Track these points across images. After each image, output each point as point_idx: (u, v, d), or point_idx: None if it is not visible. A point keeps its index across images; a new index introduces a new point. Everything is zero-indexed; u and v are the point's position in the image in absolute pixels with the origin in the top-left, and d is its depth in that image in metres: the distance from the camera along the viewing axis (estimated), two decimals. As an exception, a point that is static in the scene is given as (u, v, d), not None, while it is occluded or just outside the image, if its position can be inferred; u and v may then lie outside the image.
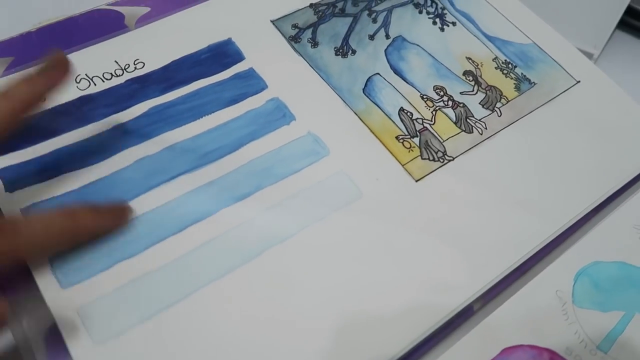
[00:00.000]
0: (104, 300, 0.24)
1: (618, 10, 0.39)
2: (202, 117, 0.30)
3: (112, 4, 0.35)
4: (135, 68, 0.32)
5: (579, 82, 0.35)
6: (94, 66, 0.31)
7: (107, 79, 0.31)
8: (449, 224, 0.28)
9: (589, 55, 0.39)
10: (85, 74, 0.31)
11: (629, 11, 0.41)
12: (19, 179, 0.27)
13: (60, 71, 0.25)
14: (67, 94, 0.30)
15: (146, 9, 0.35)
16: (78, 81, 0.31)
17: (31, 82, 0.24)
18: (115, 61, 0.32)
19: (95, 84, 0.31)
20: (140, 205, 0.27)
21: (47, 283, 0.24)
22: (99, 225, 0.25)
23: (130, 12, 0.35)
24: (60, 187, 0.27)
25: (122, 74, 0.31)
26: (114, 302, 0.24)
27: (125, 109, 0.30)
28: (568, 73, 0.35)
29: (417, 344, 0.25)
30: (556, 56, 0.36)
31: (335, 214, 0.28)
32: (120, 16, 0.34)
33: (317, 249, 0.27)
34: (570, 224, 0.30)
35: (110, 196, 0.27)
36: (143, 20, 0.34)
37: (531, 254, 0.28)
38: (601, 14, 0.39)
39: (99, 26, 0.34)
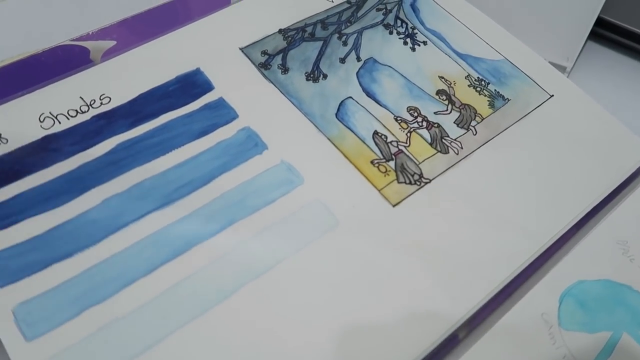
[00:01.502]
0: (72, 351, 0.23)
1: (588, 22, 0.39)
2: (171, 150, 0.29)
3: (77, 39, 0.34)
4: (102, 103, 0.31)
5: (552, 96, 0.35)
6: (58, 103, 0.30)
7: (72, 116, 0.30)
8: (429, 248, 0.28)
9: (562, 68, 0.39)
10: (50, 112, 0.30)
11: (599, 22, 0.41)
12: (-21, 226, 0.26)
13: None
14: (31, 133, 0.29)
15: (112, 43, 0.34)
16: (42, 120, 0.30)
17: None
18: (81, 97, 0.31)
19: (59, 122, 0.30)
20: (108, 247, 0.26)
21: (10, 337, 0.23)
22: None
23: (96, 46, 0.34)
24: (24, 233, 0.26)
25: (87, 110, 0.30)
26: (83, 352, 0.23)
27: (91, 146, 0.29)
28: (541, 87, 0.35)
29: (402, 378, 0.24)
30: (528, 71, 0.36)
31: (312, 244, 0.27)
32: (85, 51, 0.33)
33: (295, 281, 0.26)
34: (552, 241, 0.29)
35: (76, 239, 0.26)
36: (109, 54, 0.33)
37: (514, 274, 0.28)
38: (571, 26, 0.39)
39: (63, 62, 0.33)
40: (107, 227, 0.26)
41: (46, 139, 0.29)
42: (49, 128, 0.29)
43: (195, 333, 0.24)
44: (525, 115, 0.34)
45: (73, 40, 0.34)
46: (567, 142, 0.33)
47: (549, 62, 0.36)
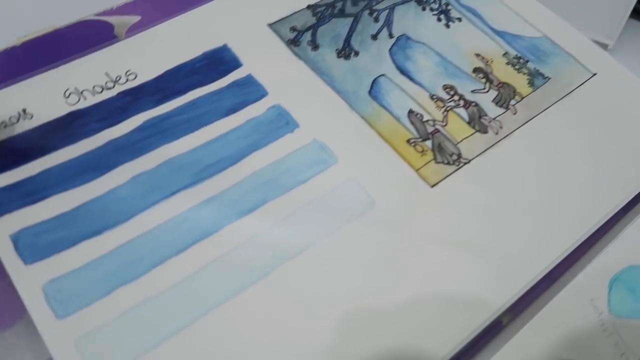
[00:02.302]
0: (103, 331, 0.22)
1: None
2: (200, 128, 0.28)
3: (100, 14, 0.33)
4: (127, 79, 0.30)
5: (595, 74, 0.33)
6: (83, 79, 0.29)
7: (97, 93, 0.29)
8: (470, 232, 0.27)
9: (604, 46, 0.37)
10: (75, 88, 0.29)
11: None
12: (6, 202, 0.25)
13: None
14: (56, 109, 0.28)
15: (136, 18, 0.33)
16: (67, 96, 0.29)
17: None
18: (106, 73, 0.30)
19: (85, 98, 0.29)
20: (138, 225, 0.25)
21: (41, 314, 0.22)
22: None
23: (120, 21, 0.33)
24: (51, 209, 0.25)
25: (113, 87, 0.29)
26: (114, 331, 0.22)
27: (118, 123, 0.28)
28: (583, 66, 0.34)
29: (445, 364, 0.23)
30: (569, 49, 0.34)
31: (348, 226, 0.26)
32: (109, 27, 0.32)
33: (330, 264, 0.25)
34: (599, 225, 0.28)
35: (104, 217, 0.25)
36: (133, 30, 0.32)
37: (559, 260, 0.26)
38: (613, 3, 0.38)
39: (87, 38, 0.32)
40: (136, 205, 0.25)
41: (72, 115, 0.28)
42: (74, 104, 0.29)
43: (228, 315, 0.23)
44: (567, 94, 0.32)
45: (97, 15, 0.33)
46: (611, 122, 0.31)
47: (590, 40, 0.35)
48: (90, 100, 0.29)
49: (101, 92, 0.29)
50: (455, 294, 0.25)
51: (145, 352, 0.22)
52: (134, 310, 0.22)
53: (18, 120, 0.28)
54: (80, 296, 0.22)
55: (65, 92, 0.29)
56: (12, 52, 0.30)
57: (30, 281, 0.23)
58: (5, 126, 0.27)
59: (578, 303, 0.24)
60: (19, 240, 0.24)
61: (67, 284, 0.23)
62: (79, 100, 0.29)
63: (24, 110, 0.28)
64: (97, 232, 0.24)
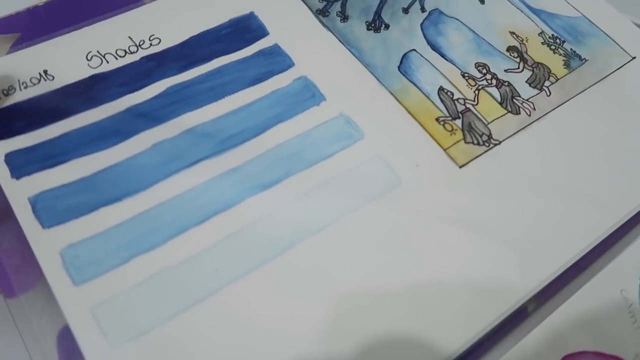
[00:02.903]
0: (120, 299, 0.22)
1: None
2: (224, 97, 0.28)
3: (125, -24, 0.32)
4: (151, 44, 0.29)
5: (634, 58, 0.32)
6: (106, 42, 0.29)
7: (120, 56, 0.28)
8: (497, 216, 0.26)
9: (647, 30, 0.35)
10: (97, 51, 0.28)
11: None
12: (25, 164, 0.24)
13: None
14: (78, 72, 0.28)
15: (162, -19, 0.32)
16: (89, 58, 0.28)
17: None
18: (129, 37, 0.29)
19: (107, 62, 0.28)
20: (158, 193, 0.24)
21: (58, 280, 0.22)
22: None
23: (146, -16, 0.32)
24: (71, 174, 0.24)
25: (136, 51, 0.29)
26: (131, 300, 0.22)
27: (140, 88, 0.27)
28: (622, 48, 0.32)
29: (467, 349, 0.23)
30: (608, 30, 0.33)
31: (372, 204, 0.25)
32: (134, -11, 0.32)
33: (353, 242, 0.24)
34: (632, 214, 0.27)
35: (125, 184, 0.24)
36: (159, -6, 0.31)
37: (589, 248, 0.26)
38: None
39: (111, 0, 0.31)
40: (157, 173, 0.25)
41: (94, 78, 0.28)
42: (96, 67, 0.28)
43: (249, 288, 0.23)
44: (604, 78, 0.31)
45: (122, -24, 0.32)
46: (649, 109, 0.30)
47: (634, 24, 0.33)
48: (113, 64, 0.28)
49: (124, 56, 0.29)
50: (480, 278, 0.24)
51: (161, 323, 0.21)
52: (151, 280, 0.22)
53: (39, 81, 0.27)
54: (98, 263, 0.22)
55: (87, 55, 0.28)
56: (34, 11, 0.30)
57: (47, 245, 0.22)
58: (26, 87, 0.27)
59: (607, 293, 0.24)
60: (37, 204, 0.23)
61: (85, 250, 0.22)
62: (101, 63, 0.28)
63: (45, 72, 0.27)
64: (117, 199, 0.24)
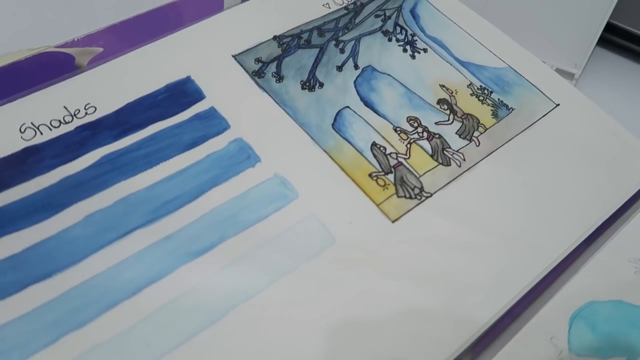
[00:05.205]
0: (47, 381, 0.21)
1: (597, 28, 0.38)
2: (159, 163, 0.28)
3: (61, 46, 0.32)
4: (86, 113, 0.29)
5: (558, 105, 0.33)
6: (40, 113, 0.29)
7: (55, 127, 0.29)
8: (430, 268, 0.26)
9: (570, 75, 0.37)
10: (31, 122, 0.28)
11: (608, 28, 0.39)
12: (-48, 244, 0.24)
13: None
14: (10, 145, 0.28)
15: (99, 50, 0.33)
16: (23, 131, 0.28)
17: None
18: (64, 107, 0.29)
19: (41, 133, 0.28)
20: (89, 267, 0.24)
21: (-17, 365, 0.21)
22: None
23: (81, 53, 0.32)
24: (0, 252, 0.24)
25: (71, 120, 0.29)
26: (59, 382, 0.21)
27: (74, 158, 0.28)
28: (546, 96, 0.34)
29: (402, 408, 0.23)
30: (533, 79, 0.34)
31: (307, 264, 0.26)
32: (70, 58, 0.32)
33: (290, 304, 0.24)
34: (561, 258, 0.27)
35: (55, 259, 0.24)
36: (95, 62, 0.32)
37: (520, 295, 0.26)
38: (580, 32, 0.38)
39: (47, 70, 0.31)
40: (89, 246, 0.25)
41: (27, 151, 0.27)
42: (30, 139, 0.28)
43: (182, 359, 0.22)
44: (531, 125, 0.32)
45: (57, 46, 0.32)
46: (574, 154, 0.31)
47: (557, 69, 0.35)
48: (47, 135, 0.28)
49: (59, 126, 0.29)
50: (414, 332, 0.24)
51: (91, 402, 0.21)
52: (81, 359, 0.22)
53: (-30, 157, 0.27)
54: (24, 346, 0.22)
55: (21, 127, 0.28)
56: (-33, 86, 0.30)
57: (-28, 330, 0.22)
58: (-44, 164, 0.27)
59: (538, 341, 0.24)
60: (-37, 286, 0.23)
61: (12, 332, 0.22)
62: (35, 134, 0.28)
63: (-23, 147, 0.27)
64: (46, 275, 0.24)
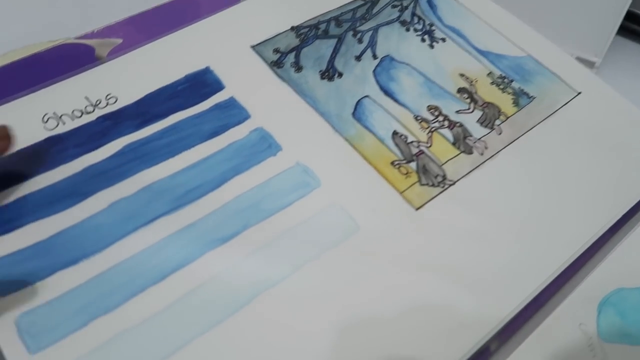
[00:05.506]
0: (77, 366, 0.21)
1: (618, 16, 0.37)
2: (181, 152, 0.28)
3: (81, 37, 0.33)
4: (107, 103, 0.29)
5: (579, 93, 0.33)
6: (62, 104, 0.29)
7: (77, 117, 0.29)
8: (455, 256, 0.26)
9: (590, 64, 0.37)
10: (54, 113, 0.29)
11: (629, 16, 0.39)
12: (-22, 232, 0.24)
13: (5, 143, 0.25)
14: (34, 135, 0.28)
15: (118, 41, 0.33)
16: (45, 121, 0.28)
17: None
18: (86, 97, 0.29)
19: (64, 123, 0.28)
20: (116, 253, 0.24)
21: (13, 349, 0.21)
22: None
23: (101, 44, 0.32)
24: (26, 238, 0.24)
25: (93, 111, 0.29)
26: (89, 366, 0.21)
27: (97, 148, 0.28)
28: (568, 85, 0.34)
29: (431, 394, 0.23)
30: (554, 68, 0.34)
31: (331, 251, 0.25)
32: (90, 49, 0.32)
33: (314, 291, 0.24)
34: (586, 247, 0.27)
35: (81, 246, 0.24)
36: (115, 53, 0.32)
37: (547, 283, 0.26)
38: (600, 20, 0.38)
39: (68, 61, 0.31)
40: (115, 233, 0.25)
41: (50, 140, 0.28)
42: (52, 129, 0.28)
43: (209, 345, 0.22)
44: (552, 114, 0.32)
45: (78, 38, 0.33)
46: (596, 141, 0.31)
47: (577, 58, 0.35)
48: (69, 125, 0.28)
49: (80, 116, 0.29)
50: (441, 320, 0.24)
51: (120, 387, 0.21)
52: (109, 344, 0.22)
53: (-6, 146, 0.27)
54: (54, 329, 0.22)
55: (43, 117, 0.28)
56: (-11, 76, 0.30)
57: (1, 313, 0.22)
58: (-19, 153, 0.27)
59: (566, 328, 0.24)
60: (-9, 272, 0.23)
61: (42, 316, 0.22)
62: (57, 125, 0.28)
63: (1, 136, 0.27)
64: (74, 262, 0.24)
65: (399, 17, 0.36)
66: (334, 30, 0.35)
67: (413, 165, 0.29)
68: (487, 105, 0.32)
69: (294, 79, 0.32)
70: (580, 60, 0.35)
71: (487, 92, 0.33)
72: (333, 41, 0.34)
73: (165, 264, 0.24)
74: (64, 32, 0.33)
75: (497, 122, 0.31)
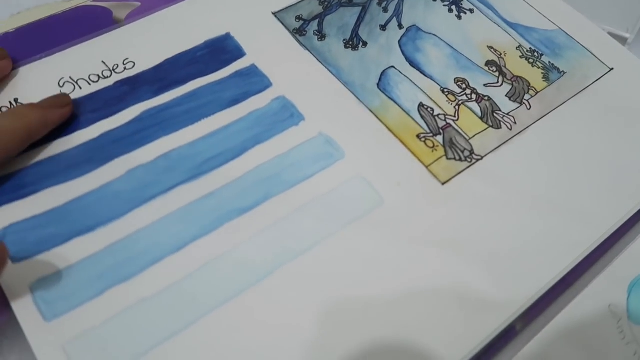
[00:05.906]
0: (94, 334, 0.21)
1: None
2: (200, 120, 0.27)
3: (98, 0, 0.32)
4: (125, 68, 0.29)
5: (612, 69, 0.32)
6: (79, 68, 0.28)
7: (93, 82, 0.28)
8: (482, 232, 0.25)
9: (623, 40, 0.36)
10: (70, 77, 0.28)
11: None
12: (-5, 196, 0.24)
13: (66, 110, 0.26)
14: (49, 99, 0.27)
15: (136, 4, 0.32)
16: (62, 85, 0.28)
17: (43, 111, 0.25)
18: (103, 61, 0.29)
19: (80, 87, 0.28)
20: (133, 221, 0.24)
21: (28, 316, 0.21)
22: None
23: (119, 7, 0.32)
24: (42, 204, 0.24)
25: (110, 75, 0.28)
26: (105, 335, 0.21)
27: (114, 113, 0.27)
28: (600, 60, 0.32)
29: (456, 372, 0.22)
30: (585, 42, 0.33)
31: (354, 225, 0.25)
32: (107, 12, 0.31)
33: (336, 265, 0.24)
34: (617, 227, 0.26)
35: (98, 213, 0.23)
36: (133, 16, 0.31)
37: (575, 263, 0.25)
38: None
39: (84, 24, 0.30)
40: (132, 200, 0.24)
41: (66, 105, 0.27)
42: (69, 93, 0.27)
43: (228, 317, 0.22)
44: (583, 90, 0.31)
45: (95, 0, 0.32)
46: (629, 120, 0.30)
47: (609, 33, 0.33)
48: (86, 90, 0.28)
49: (97, 81, 0.28)
50: (466, 297, 0.23)
51: (138, 357, 0.20)
52: (126, 313, 0.21)
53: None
54: (70, 297, 0.21)
55: (59, 81, 0.28)
56: (5, 38, 0.29)
57: (17, 280, 0.21)
58: (-4, 115, 0.26)
59: (595, 309, 0.23)
60: (6, 237, 0.22)
61: (57, 283, 0.21)
62: (74, 89, 0.27)
63: (16, 100, 0.27)
64: (90, 229, 0.23)
65: (425, -14, 0.35)
66: (358, -2, 0.33)
67: (439, 138, 0.28)
68: (516, 79, 0.31)
69: (317, 47, 0.31)
70: (613, 35, 0.33)
71: (516, 65, 0.32)
72: (357, 9, 0.33)
73: (184, 234, 0.23)
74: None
75: (527, 96, 0.30)
